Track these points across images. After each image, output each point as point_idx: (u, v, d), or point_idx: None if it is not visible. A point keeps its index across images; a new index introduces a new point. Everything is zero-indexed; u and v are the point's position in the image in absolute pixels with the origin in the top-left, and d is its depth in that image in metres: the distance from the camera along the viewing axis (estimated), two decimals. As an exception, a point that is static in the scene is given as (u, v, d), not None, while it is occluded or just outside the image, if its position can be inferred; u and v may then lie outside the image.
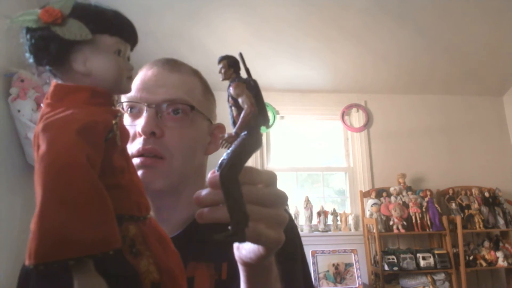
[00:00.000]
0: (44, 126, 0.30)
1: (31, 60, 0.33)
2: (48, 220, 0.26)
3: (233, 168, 0.37)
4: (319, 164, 3.49)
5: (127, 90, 0.37)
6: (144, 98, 0.68)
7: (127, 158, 0.37)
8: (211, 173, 0.40)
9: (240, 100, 0.39)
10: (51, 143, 0.28)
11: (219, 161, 0.38)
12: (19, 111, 2.05)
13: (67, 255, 0.26)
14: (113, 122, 0.33)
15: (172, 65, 0.73)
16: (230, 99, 0.41)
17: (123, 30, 0.35)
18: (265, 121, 0.40)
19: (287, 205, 0.50)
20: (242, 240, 0.38)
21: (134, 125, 0.68)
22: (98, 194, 0.29)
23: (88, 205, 0.28)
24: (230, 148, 0.38)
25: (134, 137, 0.67)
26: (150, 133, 0.65)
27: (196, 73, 0.77)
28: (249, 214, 0.38)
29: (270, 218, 0.41)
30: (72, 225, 0.27)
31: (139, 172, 0.65)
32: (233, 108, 0.41)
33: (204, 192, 0.40)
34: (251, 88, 0.40)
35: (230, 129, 0.41)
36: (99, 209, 0.28)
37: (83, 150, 0.29)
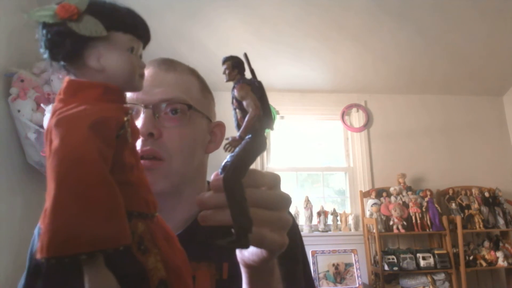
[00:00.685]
0: (57, 121, 0.30)
1: (46, 55, 0.33)
2: (60, 215, 0.27)
3: (237, 172, 0.36)
4: (319, 164, 3.49)
5: (140, 87, 0.37)
6: (140, 99, 0.67)
7: (136, 155, 0.37)
8: (214, 175, 0.39)
9: (245, 103, 0.38)
10: (64, 138, 0.29)
11: (223, 164, 0.38)
12: (19, 111, 2.05)
13: (79, 250, 0.26)
14: (125, 119, 0.33)
15: (168, 64, 0.72)
16: (234, 101, 0.40)
17: (136, 27, 0.36)
18: (269, 123, 0.39)
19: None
20: (245, 246, 0.37)
21: None
22: (110, 190, 0.29)
23: (100, 200, 0.28)
24: (234, 151, 0.37)
25: None
26: (148, 134, 0.65)
27: (193, 72, 0.76)
28: (252, 218, 0.37)
29: (274, 221, 0.40)
30: (84, 220, 0.27)
31: None
32: (237, 110, 0.40)
33: (207, 194, 0.40)
34: (256, 90, 0.39)
35: (231, 128, 0.40)
36: (111, 204, 0.29)
37: (95, 146, 0.29)
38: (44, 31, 0.32)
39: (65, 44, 0.32)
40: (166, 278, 0.34)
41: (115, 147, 0.32)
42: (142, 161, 0.64)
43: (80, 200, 0.27)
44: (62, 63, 0.34)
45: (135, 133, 0.37)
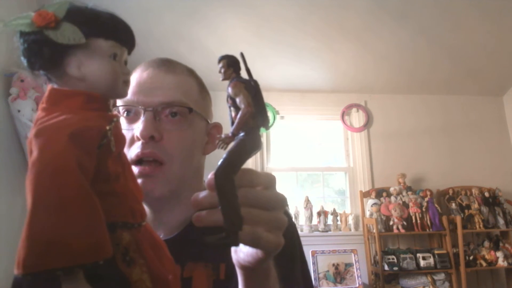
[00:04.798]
0: (37, 132, 0.29)
1: (25, 64, 0.32)
2: (36, 229, 0.26)
3: (228, 169, 0.36)
4: (319, 164, 3.48)
5: (124, 94, 0.36)
6: (141, 101, 0.67)
7: (124, 163, 0.36)
8: (210, 175, 0.38)
9: (237, 100, 0.38)
10: (42, 149, 0.28)
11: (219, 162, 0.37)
12: (19, 111, 2.05)
13: (55, 265, 0.26)
14: (107, 128, 0.32)
15: (168, 65, 0.72)
16: (228, 99, 0.40)
17: (118, 33, 0.35)
18: (264, 122, 0.39)
19: (287, 205, 0.49)
20: (234, 244, 0.36)
21: (132, 129, 0.66)
22: (88, 202, 0.28)
23: (77, 213, 0.27)
24: (228, 149, 0.37)
25: (132, 141, 0.66)
26: (149, 138, 0.64)
27: (191, 73, 0.76)
28: (248, 218, 0.37)
29: (270, 221, 0.40)
30: (60, 234, 0.26)
31: (139, 181, 0.64)
32: (232, 108, 0.40)
33: (202, 194, 0.39)
34: (251, 88, 0.39)
35: (228, 128, 0.40)
36: (89, 217, 0.28)
37: (74, 157, 0.28)
38: (21, 40, 0.32)
39: (43, 53, 0.31)
40: None
41: (97, 157, 0.31)
42: (141, 168, 0.63)
43: (57, 213, 0.26)
44: (41, 71, 0.33)
45: (121, 141, 0.36)
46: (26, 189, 0.27)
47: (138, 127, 0.65)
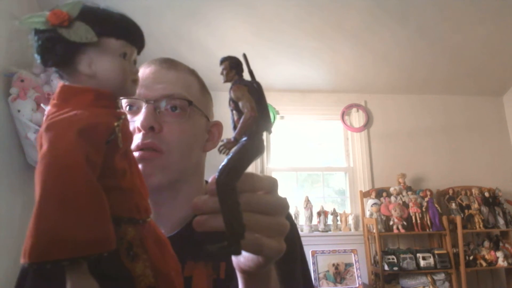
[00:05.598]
0: (48, 126, 0.30)
1: (38, 61, 0.34)
2: (43, 219, 0.27)
3: (231, 176, 0.35)
4: (319, 164, 3.49)
5: (132, 93, 0.37)
6: (142, 94, 0.69)
7: (131, 160, 0.37)
8: (211, 179, 0.38)
9: (240, 104, 0.37)
10: (52, 143, 0.29)
11: (220, 166, 0.36)
12: (19, 111, 2.05)
13: (61, 256, 0.26)
14: (115, 124, 0.33)
15: (170, 63, 0.75)
16: (231, 102, 0.39)
17: (129, 33, 0.36)
18: (267, 126, 0.38)
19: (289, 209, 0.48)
20: (236, 253, 0.36)
21: (133, 121, 0.68)
22: (95, 196, 0.29)
23: (84, 206, 0.28)
24: (229, 154, 0.36)
25: (133, 133, 0.67)
26: (148, 128, 0.66)
27: (193, 72, 0.78)
28: (250, 224, 0.36)
29: (271, 227, 0.39)
30: (67, 225, 0.27)
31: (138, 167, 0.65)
32: (234, 112, 0.39)
33: (202, 198, 0.39)
34: (254, 91, 0.38)
35: (230, 130, 0.39)
36: (95, 210, 0.29)
37: (83, 151, 0.29)
38: (36, 37, 0.33)
39: (56, 50, 0.32)
40: (155, 285, 0.33)
41: (104, 153, 0.32)
42: (141, 153, 0.64)
43: (64, 205, 0.27)
44: (54, 68, 0.34)
45: (128, 138, 0.37)
46: (35, 181, 0.28)
47: (139, 119, 0.67)
